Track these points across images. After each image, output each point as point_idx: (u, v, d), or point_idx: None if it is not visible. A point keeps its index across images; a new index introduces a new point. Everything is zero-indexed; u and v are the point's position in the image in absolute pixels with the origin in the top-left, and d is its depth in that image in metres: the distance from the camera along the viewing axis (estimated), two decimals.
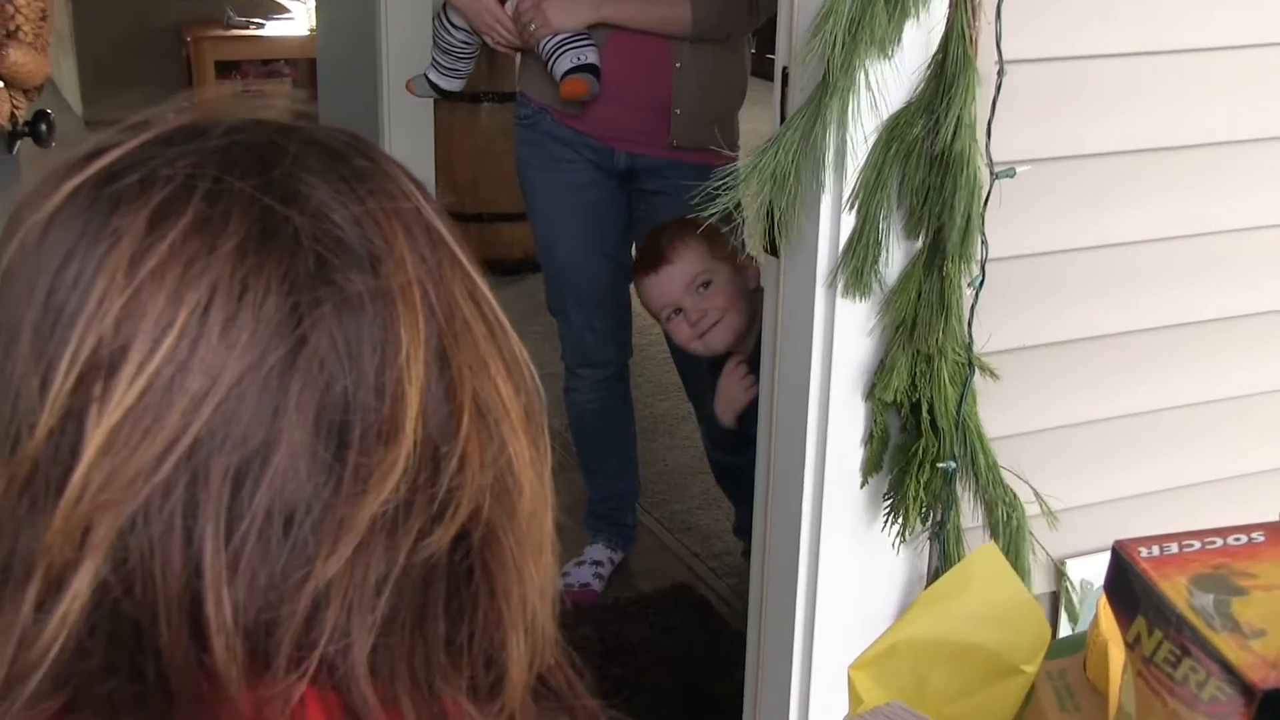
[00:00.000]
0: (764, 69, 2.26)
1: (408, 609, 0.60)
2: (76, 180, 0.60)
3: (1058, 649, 1.09)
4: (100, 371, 0.56)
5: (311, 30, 5.65)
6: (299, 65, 6.62)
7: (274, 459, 0.57)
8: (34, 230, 0.60)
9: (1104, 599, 1.06)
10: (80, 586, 0.56)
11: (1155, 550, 0.88)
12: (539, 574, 0.66)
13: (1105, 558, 2.04)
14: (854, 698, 1.07)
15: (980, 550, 1.12)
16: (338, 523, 0.58)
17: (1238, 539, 0.89)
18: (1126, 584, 0.89)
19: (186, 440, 0.56)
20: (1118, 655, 0.99)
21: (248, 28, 6.68)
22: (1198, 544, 0.89)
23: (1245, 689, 0.77)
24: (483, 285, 0.66)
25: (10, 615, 0.57)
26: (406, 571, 0.60)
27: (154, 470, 0.56)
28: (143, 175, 0.60)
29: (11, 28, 1.89)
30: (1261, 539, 0.89)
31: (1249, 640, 0.79)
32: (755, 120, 2.73)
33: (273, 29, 6.71)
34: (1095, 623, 1.03)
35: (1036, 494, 1.83)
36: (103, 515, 0.56)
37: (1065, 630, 1.97)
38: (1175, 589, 0.84)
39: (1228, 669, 0.78)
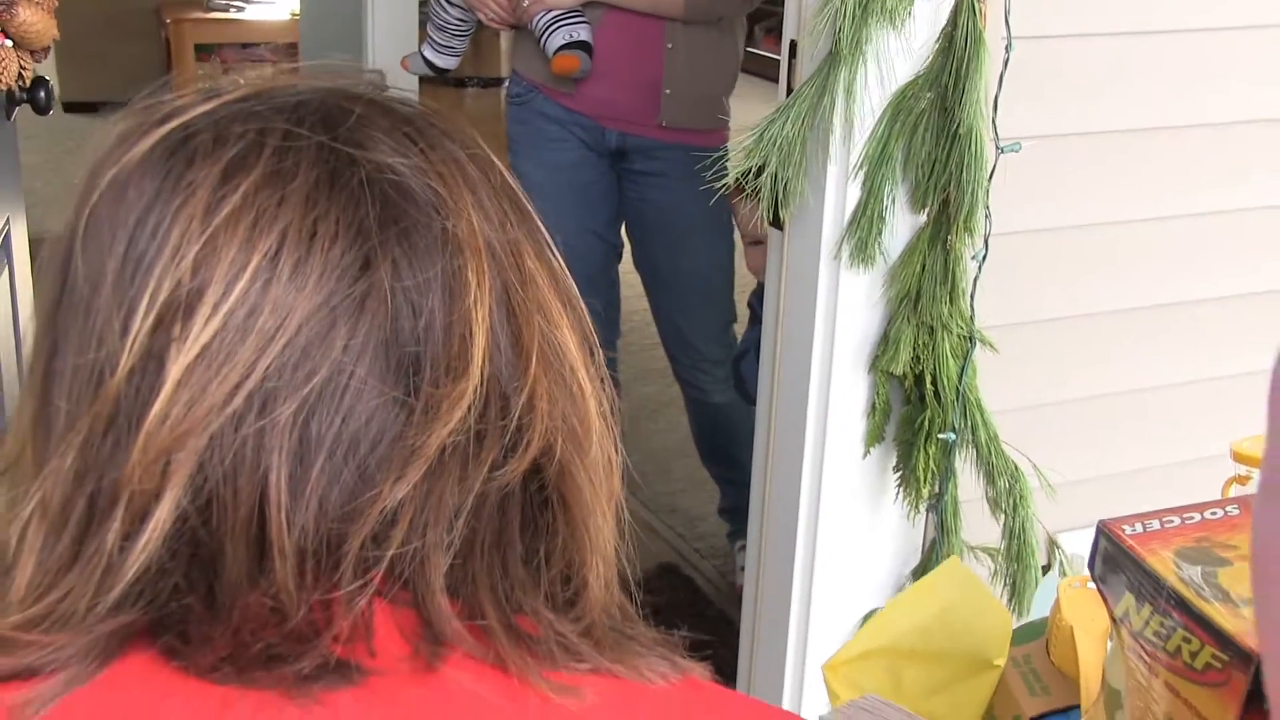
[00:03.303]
0: (750, 65, 2.26)
1: (486, 532, 0.62)
2: (154, 138, 0.63)
3: (1020, 635, 1.11)
4: (178, 313, 0.59)
5: (294, 14, 5.62)
6: (280, 49, 6.59)
7: (342, 393, 0.59)
8: (114, 186, 0.62)
9: (1065, 584, 1.07)
10: (162, 515, 0.58)
11: (1139, 527, 0.89)
12: (607, 511, 0.68)
13: None
14: (831, 694, 1.08)
15: (946, 565, 1.15)
16: (408, 450, 0.60)
17: (1214, 513, 0.91)
18: (1113, 562, 0.90)
19: (257, 375, 0.58)
20: (1084, 640, 1.01)
21: (228, 10, 6.64)
22: (1177, 520, 0.90)
23: (1242, 656, 0.77)
24: (549, 246, 0.69)
25: (97, 545, 0.59)
26: (482, 498, 0.62)
27: (227, 403, 0.58)
28: (216, 133, 0.62)
29: None
30: (1237, 512, 0.91)
31: (1240, 608, 0.80)
32: (739, 114, 2.74)
33: (253, 12, 6.67)
34: (1056, 607, 1.05)
35: (1036, 467, 1.85)
36: (180, 447, 0.58)
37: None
38: (1163, 563, 0.85)
39: (1223, 638, 0.79)
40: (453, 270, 0.62)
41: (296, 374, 0.59)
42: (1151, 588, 0.84)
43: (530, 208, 0.69)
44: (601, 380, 0.69)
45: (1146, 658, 0.85)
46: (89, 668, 0.58)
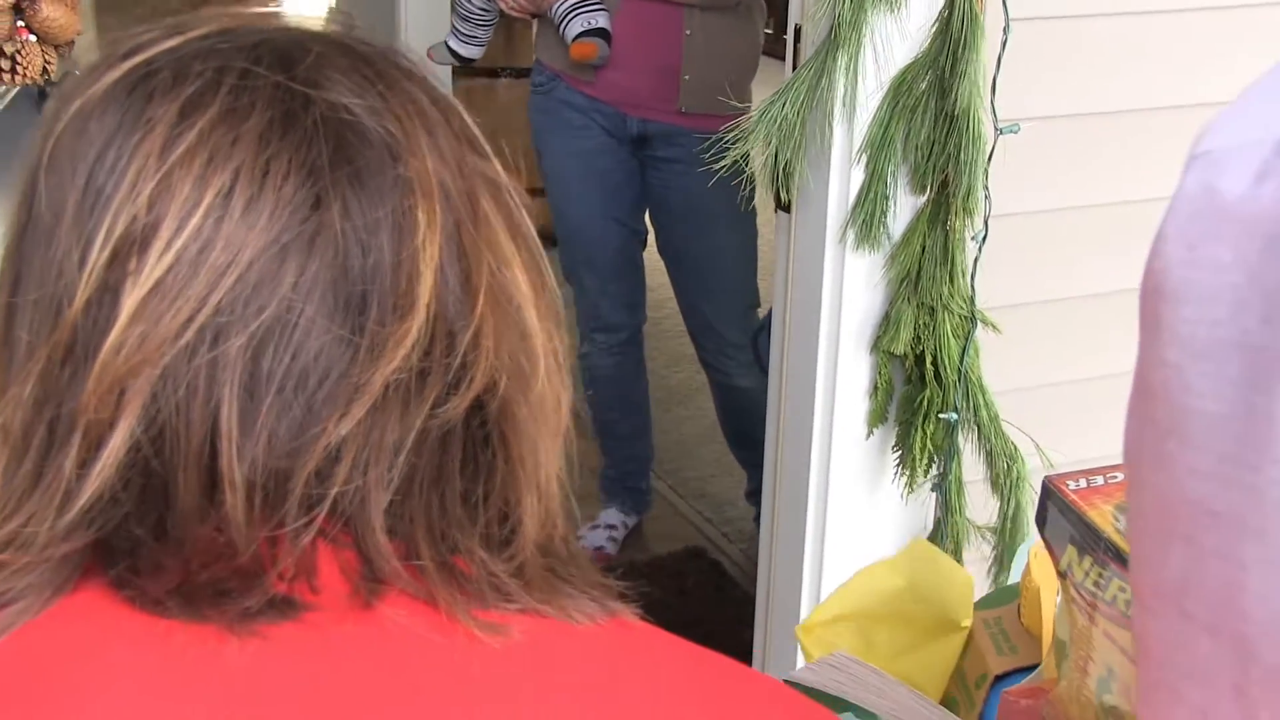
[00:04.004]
0: (777, 49, 2.28)
1: (426, 469, 0.63)
2: (115, 74, 0.63)
3: (993, 599, 1.12)
4: (133, 246, 0.59)
5: (330, 9, 5.67)
6: None
7: (291, 328, 0.60)
8: (76, 120, 0.63)
9: (1034, 548, 1.08)
10: (116, 444, 0.59)
11: (1083, 483, 0.90)
12: (552, 451, 0.69)
13: None
14: (805, 654, 1.10)
15: (912, 544, 1.16)
16: (352, 387, 0.60)
17: None
18: (1057, 517, 0.91)
19: (208, 309, 0.59)
20: (1049, 598, 1.02)
21: (266, 4, 6.69)
22: (1120, 475, 0.91)
23: None
24: (511, 190, 0.69)
25: (55, 470, 0.60)
26: (423, 435, 0.62)
27: (179, 335, 0.59)
28: (176, 70, 0.62)
29: None
30: None
31: None
32: (762, 98, 2.76)
33: (290, 6, 6.72)
34: (1027, 571, 1.07)
35: (1037, 446, 1.86)
36: (134, 377, 0.59)
37: None
38: (1102, 516, 0.86)
39: None
40: (403, 210, 0.62)
41: (247, 309, 0.59)
42: (1091, 540, 0.85)
43: (488, 151, 0.69)
44: (554, 321, 0.69)
45: (1087, 607, 0.86)
46: (42, 599, 0.59)
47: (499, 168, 0.69)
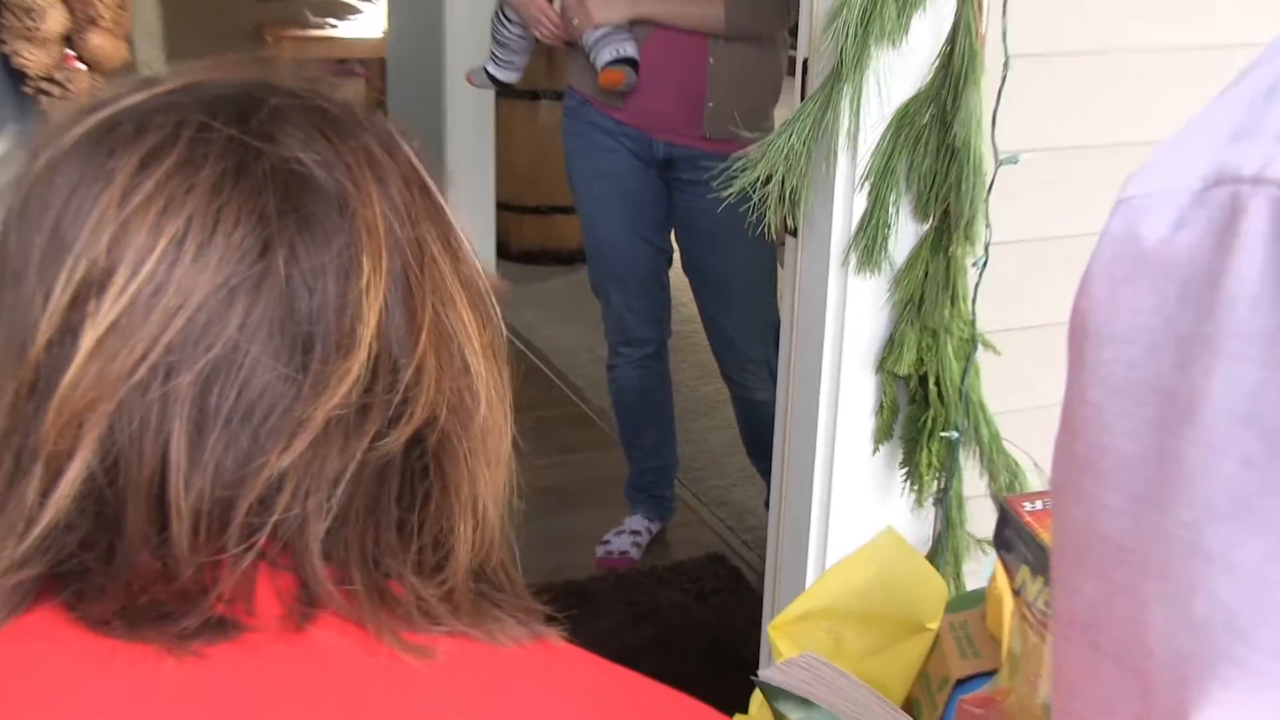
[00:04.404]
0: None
1: (363, 498, 0.64)
2: (81, 128, 0.64)
3: (959, 603, 1.12)
4: (92, 289, 0.60)
5: (384, 33, 5.71)
6: (371, 65, 6.67)
7: (238, 366, 0.61)
8: (44, 172, 0.64)
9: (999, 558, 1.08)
10: (73, 474, 0.60)
11: (1038, 504, 0.90)
12: (494, 480, 0.69)
13: None
14: (775, 652, 1.09)
15: (882, 534, 1.14)
16: (295, 421, 0.61)
17: None
18: (1013, 537, 0.91)
19: (160, 348, 0.60)
20: (1010, 607, 1.02)
21: (323, 28, 6.73)
22: None
23: None
24: (460, 234, 0.70)
25: (18, 500, 0.61)
26: (362, 466, 0.63)
27: (133, 372, 0.60)
28: (137, 124, 0.64)
29: (92, 14, 1.94)
30: None
31: None
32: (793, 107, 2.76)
33: (346, 30, 6.76)
34: (993, 578, 1.06)
35: (1036, 465, 1.85)
36: (91, 411, 0.60)
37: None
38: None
39: None
40: (349, 255, 0.63)
41: (197, 348, 0.60)
42: (1043, 561, 0.85)
43: (440, 197, 0.70)
44: (498, 357, 0.70)
45: (1038, 625, 0.86)
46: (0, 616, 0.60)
47: (449, 213, 0.70)
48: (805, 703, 1.01)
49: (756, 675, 1.04)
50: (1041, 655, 0.85)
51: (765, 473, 3.16)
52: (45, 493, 0.60)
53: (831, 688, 1.01)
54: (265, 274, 0.61)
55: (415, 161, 0.70)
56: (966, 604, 1.11)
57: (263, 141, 0.63)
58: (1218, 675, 0.38)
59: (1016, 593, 0.91)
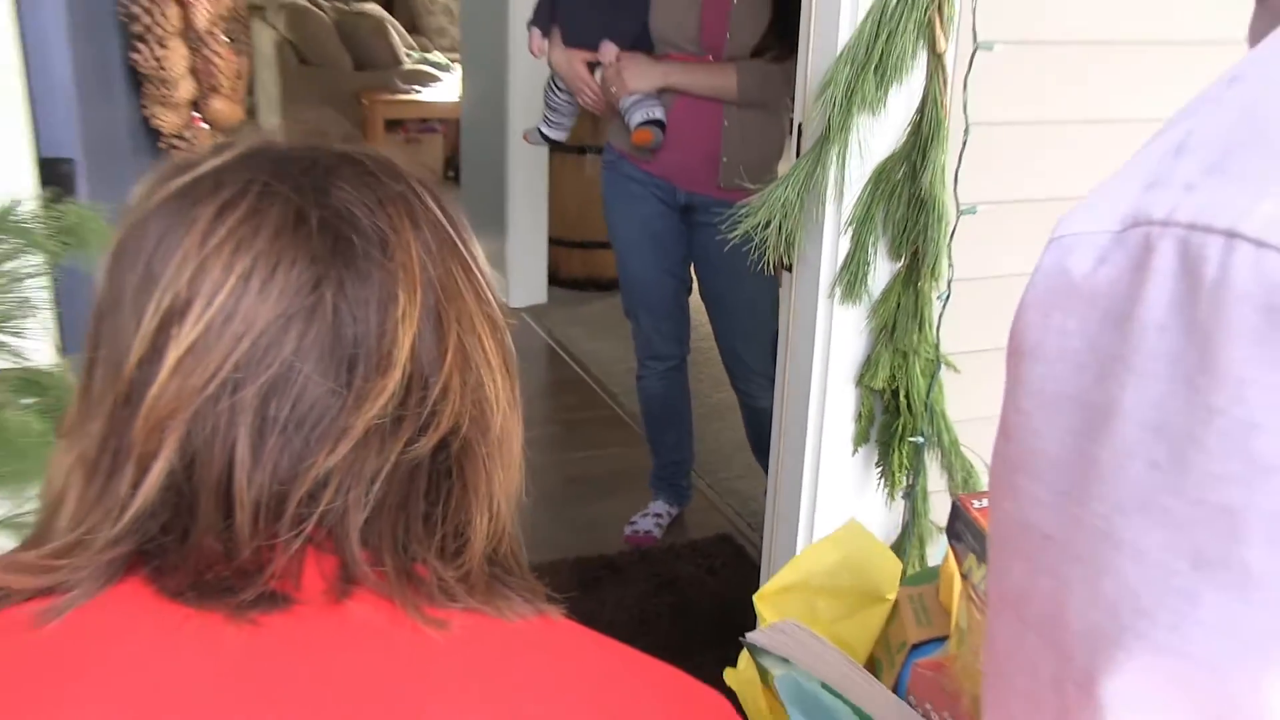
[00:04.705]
0: None
1: (395, 494, 0.64)
2: (170, 188, 0.65)
3: (917, 578, 1.11)
4: (175, 317, 0.61)
5: (459, 97, 5.75)
6: (448, 124, 6.71)
7: (293, 382, 0.61)
8: (139, 223, 0.65)
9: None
10: (158, 471, 0.61)
11: (984, 502, 0.89)
12: (507, 480, 0.69)
13: None
14: (760, 619, 1.09)
15: (847, 523, 1.14)
16: (340, 429, 0.62)
17: None
18: (963, 529, 0.90)
19: (228, 366, 0.61)
20: (959, 587, 1.01)
21: (410, 93, 6.78)
22: None
23: None
24: (481, 272, 0.69)
25: (114, 491, 0.62)
26: (396, 467, 0.63)
27: (206, 387, 0.61)
28: (215, 181, 0.65)
29: (214, 84, 1.96)
30: None
31: None
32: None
33: (428, 94, 6.80)
34: (947, 557, 1.06)
35: (986, 466, 1.84)
36: (172, 419, 0.61)
37: None
38: None
39: None
40: (388, 290, 0.63)
41: (259, 367, 0.61)
42: (986, 549, 0.85)
43: (463, 238, 0.69)
44: (511, 374, 0.70)
45: (981, 605, 0.86)
46: (94, 588, 0.61)
47: (471, 254, 0.69)
48: (784, 661, 1.00)
49: (744, 636, 1.04)
50: (983, 630, 0.85)
51: (766, 467, 3.15)
52: (135, 485, 0.61)
53: (806, 649, 1.01)
54: (317, 306, 0.62)
55: (444, 210, 0.69)
56: (923, 579, 1.11)
57: (316, 195, 0.64)
58: (1123, 646, 0.39)
59: (964, 576, 0.90)
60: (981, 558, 0.87)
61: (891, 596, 1.08)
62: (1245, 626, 0.37)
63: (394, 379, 0.62)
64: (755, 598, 1.10)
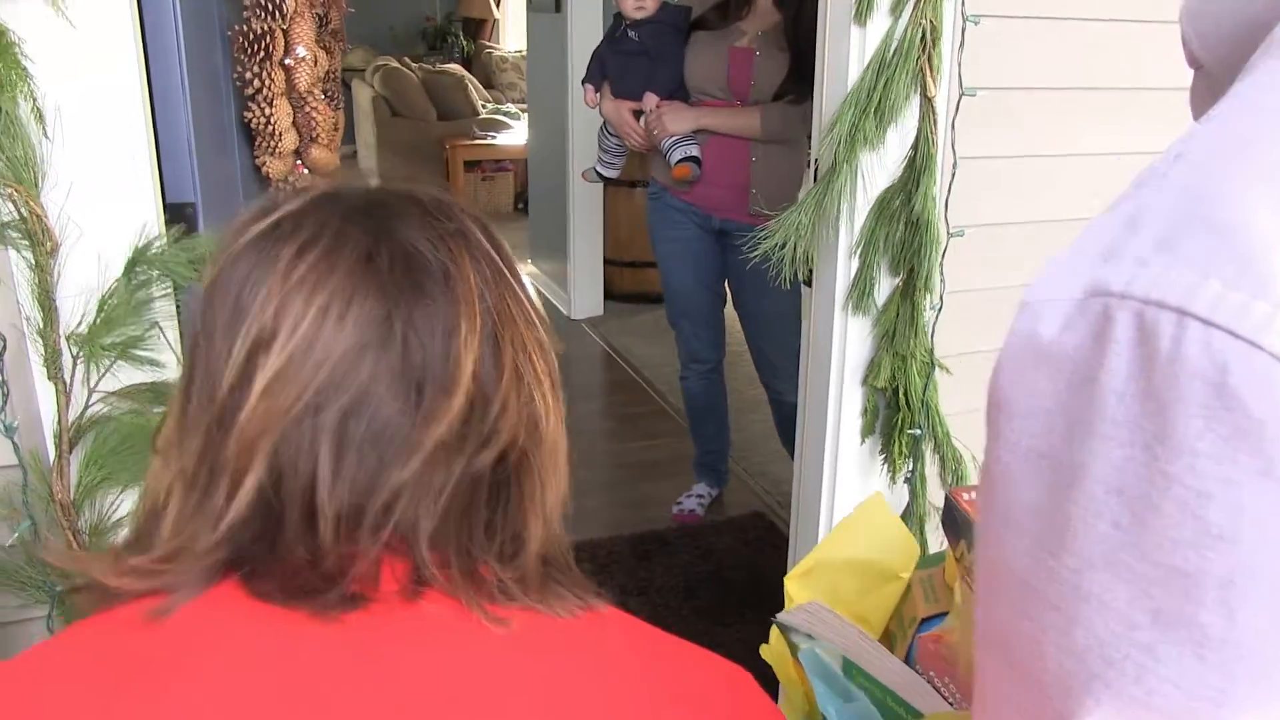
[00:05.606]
0: None
1: (460, 503, 0.62)
2: (256, 228, 0.64)
3: (927, 562, 1.09)
4: (262, 347, 0.60)
5: (526, 141, 5.78)
6: (517, 164, 6.74)
7: (368, 404, 0.59)
8: (231, 260, 0.63)
9: None
10: (249, 486, 0.59)
11: (972, 495, 0.88)
12: (557, 487, 0.67)
13: None
14: (788, 599, 1.07)
15: (870, 499, 1.11)
16: (412, 446, 0.60)
17: None
18: (954, 519, 0.89)
19: (311, 391, 0.59)
20: (955, 569, 1.00)
21: (486, 139, 6.82)
22: None
23: None
24: (527, 298, 0.67)
25: (211, 502, 0.61)
26: (461, 479, 0.61)
27: (291, 409, 0.59)
28: (295, 223, 0.63)
29: (314, 135, 1.98)
30: None
31: None
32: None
33: (501, 139, 6.84)
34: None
35: (974, 457, 1.82)
36: (261, 439, 0.59)
37: None
38: None
39: None
40: (451, 319, 0.61)
41: (338, 391, 0.59)
42: (976, 560, 0.83)
43: (511, 268, 0.67)
44: (557, 391, 0.67)
45: (972, 584, 0.85)
46: (195, 590, 0.60)
47: (521, 279, 0.67)
48: (808, 637, 1.00)
49: (774, 617, 1.03)
50: (973, 609, 0.84)
51: (792, 454, 3.13)
52: (229, 498, 0.60)
53: (827, 625, 1.00)
54: (388, 335, 0.60)
55: (494, 243, 0.67)
56: (932, 563, 1.10)
57: (384, 234, 0.62)
58: (1092, 692, 0.37)
59: (958, 559, 0.89)
60: (972, 544, 0.85)
61: (905, 575, 1.07)
62: (1201, 682, 0.35)
63: (459, 399, 0.60)
64: (785, 579, 1.09)
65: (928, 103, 1.64)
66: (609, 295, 5.05)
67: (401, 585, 0.60)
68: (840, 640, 1.01)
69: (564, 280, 4.96)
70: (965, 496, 0.91)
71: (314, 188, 0.66)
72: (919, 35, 1.59)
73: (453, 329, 0.61)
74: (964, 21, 1.63)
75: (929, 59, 1.61)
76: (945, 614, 1.04)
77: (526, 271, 5.44)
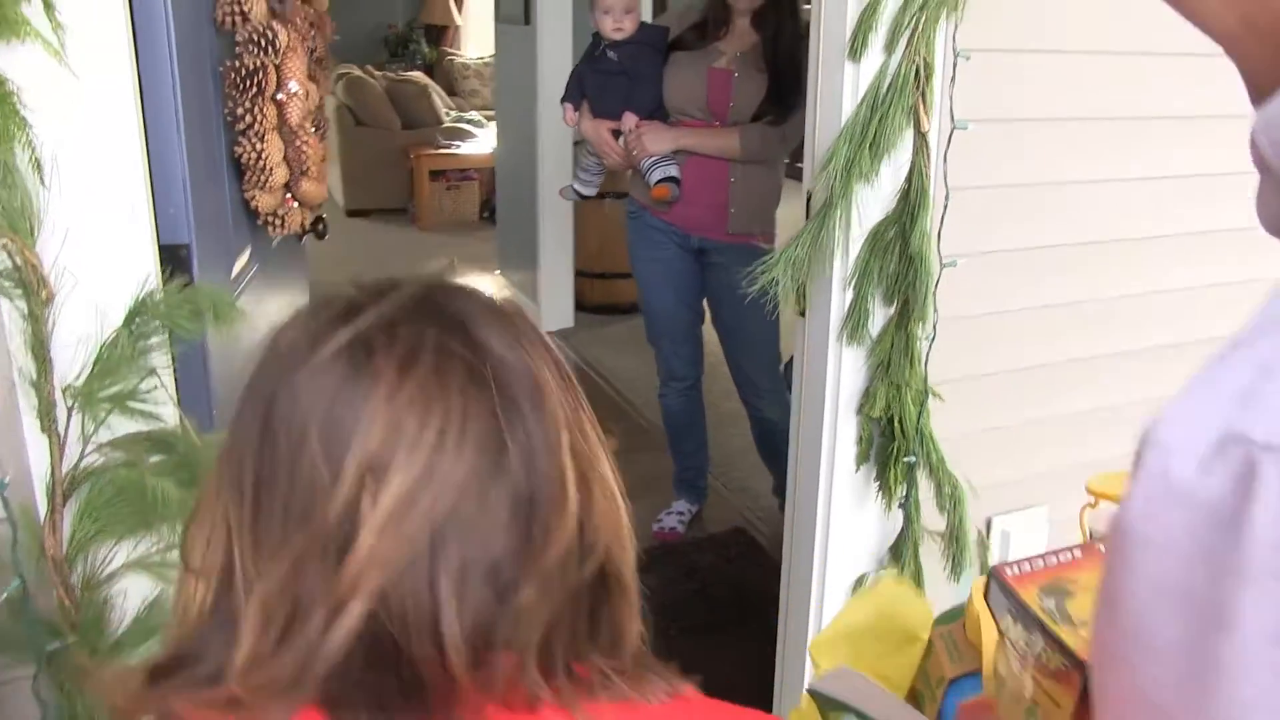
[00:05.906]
0: (794, 172, 2.30)
1: (568, 614, 0.61)
2: (344, 335, 0.60)
3: (946, 617, 1.10)
4: (371, 474, 0.56)
5: (493, 150, 5.74)
6: (484, 173, 6.70)
7: (486, 532, 0.57)
8: (311, 369, 0.59)
9: (977, 582, 1.05)
10: (353, 616, 0.56)
11: (1015, 570, 0.88)
12: (636, 584, 0.66)
13: (1018, 516, 2.02)
14: (815, 666, 1.07)
15: (884, 579, 1.13)
16: (529, 572, 0.58)
17: (1065, 556, 0.87)
18: (998, 594, 0.89)
19: (432, 523, 0.56)
20: (989, 627, 1.00)
21: (450, 147, 6.77)
22: (1041, 563, 0.88)
23: (1079, 663, 0.77)
24: (584, 401, 0.65)
25: (304, 631, 0.57)
26: (566, 591, 0.60)
27: (411, 543, 0.56)
28: (388, 334, 0.59)
29: (304, 167, 1.96)
30: (1079, 555, 0.89)
31: (1078, 629, 0.79)
32: (790, 207, 2.75)
33: (467, 148, 6.79)
34: (970, 598, 1.04)
35: (967, 481, 1.84)
36: (374, 572, 0.56)
37: (977, 567, 1.96)
38: (1031, 597, 0.83)
39: (1067, 649, 0.77)
40: (551, 433, 0.59)
41: (457, 519, 0.57)
42: (1022, 613, 0.83)
43: (564, 365, 0.65)
44: (621, 486, 0.65)
45: (1019, 659, 0.84)
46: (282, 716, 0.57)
47: (575, 381, 0.65)
48: (844, 706, 1.00)
49: (808, 688, 1.03)
50: (1023, 680, 0.84)
51: (771, 468, 3.15)
52: (325, 630, 0.56)
53: (858, 691, 1.00)
54: (501, 460, 0.58)
55: (546, 340, 0.65)
56: (950, 618, 1.09)
57: (481, 350, 0.60)
58: None
59: (1002, 634, 0.89)
60: (1016, 618, 0.86)
61: (925, 635, 1.07)
62: None
63: (571, 520, 0.59)
64: (810, 647, 1.08)
65: (921, 136, 1.65)
66: (579, 306, 5.04)
67: (522, 699, 0.58)
68: (877, 707, 1.01)
69: (533, 291, 4.94)
70: (1008, 572, 0.91)
71: (386, 288, 0.63)
72: (913, 71, 1.61)
73: (555, 445, 0.59)
74: (955, 57, 1.64)
75: (922, 94, 1.62)
76: (975, 672, 1.05)
77: (494, 282, 5.40)
